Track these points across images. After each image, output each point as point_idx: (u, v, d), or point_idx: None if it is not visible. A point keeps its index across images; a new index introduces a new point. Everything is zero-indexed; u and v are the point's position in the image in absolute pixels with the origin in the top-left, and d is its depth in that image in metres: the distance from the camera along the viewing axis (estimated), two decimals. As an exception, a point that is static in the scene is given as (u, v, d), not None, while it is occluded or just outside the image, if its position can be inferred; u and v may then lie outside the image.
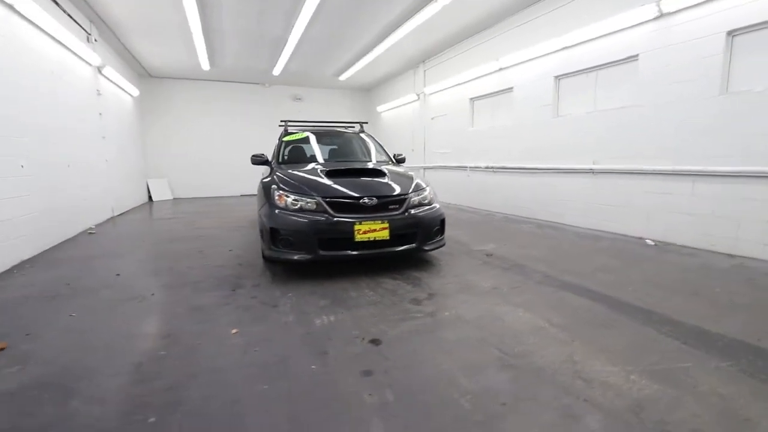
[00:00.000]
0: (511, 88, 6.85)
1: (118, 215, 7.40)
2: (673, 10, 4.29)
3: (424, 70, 9.61)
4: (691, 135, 4.29)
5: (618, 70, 5.09)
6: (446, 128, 8.94)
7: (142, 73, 9.83)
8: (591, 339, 2.18)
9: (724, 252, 4.03)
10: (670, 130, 4.47)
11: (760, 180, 3.77)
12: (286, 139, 4.88)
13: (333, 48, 8.18)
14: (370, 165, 4.28)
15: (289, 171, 3.86)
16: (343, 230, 3.16)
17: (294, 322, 2.45)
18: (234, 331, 2.29)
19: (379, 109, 12.11)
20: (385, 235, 3.25)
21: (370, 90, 12.97)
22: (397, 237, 3.31)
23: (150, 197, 10.29)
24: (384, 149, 5.21)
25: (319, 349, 2.09)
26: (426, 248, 3.52)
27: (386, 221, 3.25)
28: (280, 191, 3.38)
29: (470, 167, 8.07)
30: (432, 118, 9.51)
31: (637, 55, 4.78)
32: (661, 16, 4.42)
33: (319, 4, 5.67)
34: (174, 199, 10.72)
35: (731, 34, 3.92)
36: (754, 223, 3.83)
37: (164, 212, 8.05)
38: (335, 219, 3.17)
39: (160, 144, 10.66)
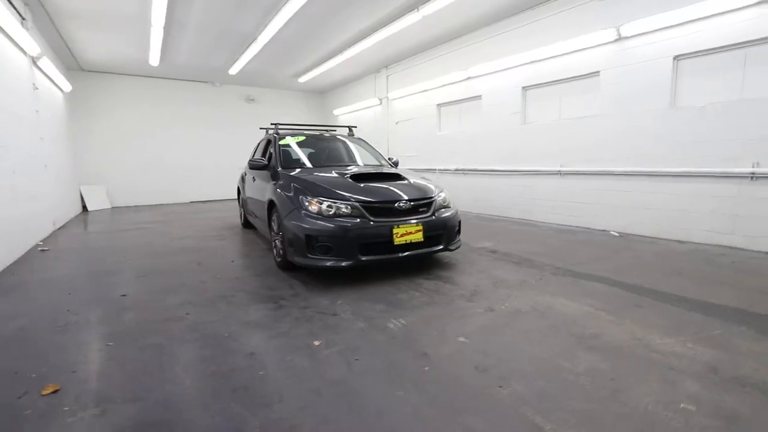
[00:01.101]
0: (480, 96, 7.35)
1: (59, 228, 6.42)
2: (630, 34, 5.02)
3: (387, 75, 9.83)
4: (646, 141, 5.05)
5: (582, 84, 5.79)
6: (412, 132, 9.24)
7: (72, 66, 8.60)
8: (635, 318, 2.53)
9: (675, 239, 4.83)
10: (628, 137, 5.22)
11: (702, 179, 4.59)
12: (283, 143, 4.71)
13: (301, 49, 8.00)
14: (385, 169, 4.33)
15: (313, 175, 3.78)
16: (383, 234, 3.20)
17: (368, 328, 2.45)
18: (317, 343, 2.23)
19: (336, 112, 12.04)
20: (419, 237, 3.36)
21: (324, 93, 12.84)
22: (428, 239, 3.43)
23: (84, 206, 9.02)
24: (379, 153, 5.29)
25: (417, 351, 2.14)
26: (451, 248, 3.69)
27: (420, 223, 3.36)
28: (313, 197, 3.30)
29: (439, 170, 8.45)
30: (396, 123, 9.75)
31: (598, 72, 5.48)
32: (620, 39, 5.14)
33: (304, 5, 5.54)
34: (113, 208, 9.53)
35: (677, 58, 4.72)
36: (698, 215, 4.66)
37: (117, 223, 7.14)
38: (373, 223, 3.20)
39: (96, 146, 9.43)
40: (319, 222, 3.15)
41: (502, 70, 6.75)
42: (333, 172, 3.92)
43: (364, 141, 5.46)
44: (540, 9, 5.99)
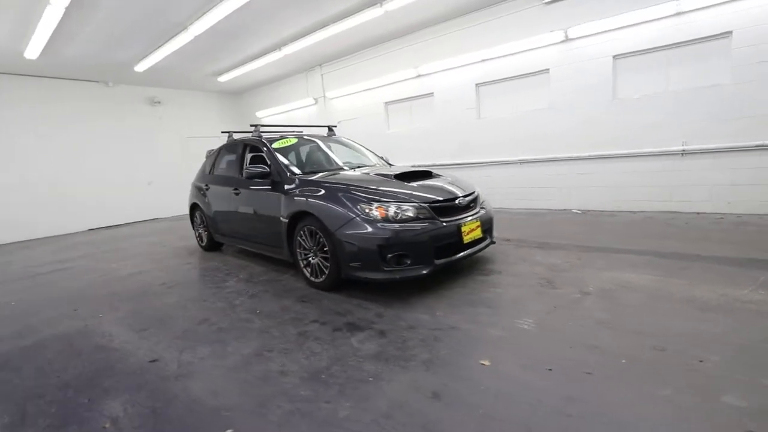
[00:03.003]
0: (432, 93, 7.55)
1: None
2: (576, 36, 5.72)
3: (322, 74, 9.38)
4: (593, 129, 5.84)
5: (533, 80, 6.38)
6: (358, 132, 8.94)
7: None
8: (698, 279, 2.87)
9: (628, 210, 5.72)
10: (578, 127, 5.96)
11: (642, 158, 5.51)
12: (276, 146, 4.09)
13: (234, 44, 7.08)
14: (408, 167, 4.08)
15: (354, 179, 3.39)
16: (453, 233, 3.03)
17: (508, 335, 2.28)
18: (486, 362, 1.98)
19: (261, 114, 11.03)
20: (479, 233, 3.28)
21: (242, 93, 11.62)
22: (482, 234, 3.38)
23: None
24: (373, 151, 5.02)
25: (590, 345, 2.07)
26: (494, 241, 3.71)
27: (478, 219, 3.29)
28: (374, 202, 2.94)
29: (393, 168, 8.42)
30: (338, 122, 9.38)
31: (548, 69, 6.13)
32: (567, 40, 5.83)
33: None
34: (-28, 251, 7.03)
35: (616, 57, 5.56)
36: (641, 188, 5.59)
37: (15, 266, 5.26)
38: (444, 223, 3.00)
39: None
40: (390, 229, 2.82)
41: (455, 67, 7.04)
42: (376, 172, 3.59)
43: (354, 141, 5.11)
44: (492, 9, 6.40)
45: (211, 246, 5.20)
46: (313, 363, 2.11)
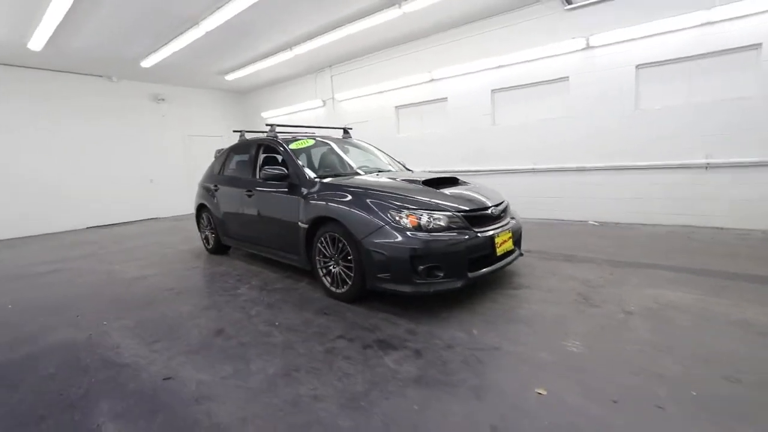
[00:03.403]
0: (446, 98, 7.40)
1: None
2: (598, 44, 5.61)
3: (331, 76, 9.22)
4: (612, 139, 5.71)
5: (551, 87, 6.25)
6: (367, 136, 8.75)
7: None
8: (744, 300, 2.71)
9: (640, 223, 5.57)
10: (597, 136, 5.83)
11: (662, 170, 5.38)
12: (293, 147, 3.91)
13: (245, 42, 6.91)
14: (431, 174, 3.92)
15: (382, 184, 3.21)
16: (487, 245, 2.85)
17: (556, 359, 2.10)
18: (541, 391, 1.80)
19: (266, 114, 10.83)
20: (510, 245, 3.11)
21: (247, 93, 11.44)
22: (513, 245, 3.21)
23: None
24: (390, 156, 4.85)
25: (653, 373, 1.89)
26: (522, 253, 3.53)
27: (510, 230, 3.12)
28: (405, 209, 2.75)
29: (402, 173, 8.25)
30: (347, 125, 9.20)
31: (567, 77, 6.00)
32: (588, 47, 5.71)
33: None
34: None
35: (639, 67, 5.45)
36: (659, 200, 5.45)
37: (9, 264, 5.00)
38: (479, 234, 2.82)
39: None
40: (423, 239, 2.63)
41: (471, 72, 6.90)
42: (384, 178, 3.40)
43: (371, 144, 4.94)
44: (512, 15, 6.27)
45: (218, 249, 4.99)
46: (348, 387, 1.91)
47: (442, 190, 3.12)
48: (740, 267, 3.36)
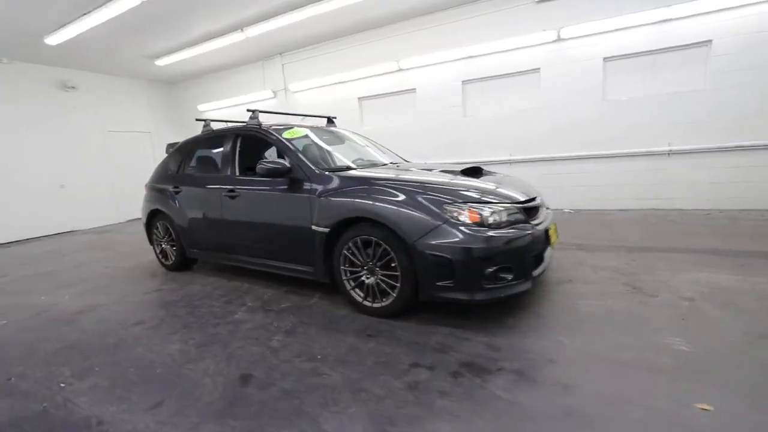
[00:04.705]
0: (414, 89, 7.10)
1: None
2: (568, 37, 5.73)
3: (282, 64, 8.38)
4: (583, 129, 5.91)
5: (523, 79, 6.28)
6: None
7: None
8: (774, 275, 2.82)
9: (612, 209, 5.87)
10: (569, 126, 5.99)
11: (630, 158, 5.70)
12: (287, 136, 3.25)
13: (182, 23, 5.87)
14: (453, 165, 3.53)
15: (419, 176, 2.76)
16: (543, 239, 2.56)
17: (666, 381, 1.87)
18: (706, 407, 1.52)
19: (203, 107, 9.57)
20: (557, 237, 2.88)
21: (179, 83, 9.97)
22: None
23: None
24: (388, 148, 4.39)
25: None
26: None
27: (553, 222, 2.89)
28: (462, 204, 2.33)
29: (369, 169, 7.79)
30: (303, 119, 8.44)
31: (539, 68, 6.07)
32: (559, 40, 5.81)
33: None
34: None
35: (606, 59, 5.67)
36: (627, 186, 5.78)
37: None
38: (536, 227, 2.52)
39: None
40: (490, 236, 2.24)
41: (441, 63, 6.68)
42: (415, 168, 2.97)
43: (362, 135, 4.42)
44: (483, 4, 6.16)
45: (181, 264, 4.07)
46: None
47: (485, 181, 2.77)
48: (742, 245, 3.53)
